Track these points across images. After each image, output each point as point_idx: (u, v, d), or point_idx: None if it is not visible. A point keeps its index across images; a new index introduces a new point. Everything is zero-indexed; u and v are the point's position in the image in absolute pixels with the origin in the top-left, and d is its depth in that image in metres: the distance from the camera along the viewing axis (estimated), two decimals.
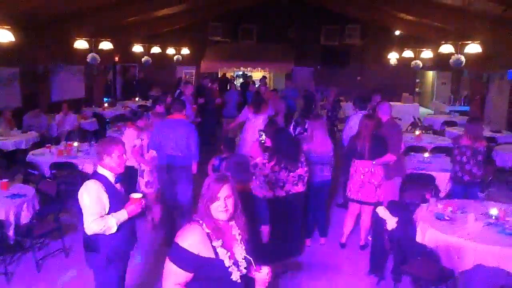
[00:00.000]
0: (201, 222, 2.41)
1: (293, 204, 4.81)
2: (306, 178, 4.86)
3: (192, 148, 5.71)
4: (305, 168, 4.81)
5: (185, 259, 2.34)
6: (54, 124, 10.31)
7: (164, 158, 5.69)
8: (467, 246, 3.97)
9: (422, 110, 16.54)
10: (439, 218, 4.49)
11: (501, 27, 9.30)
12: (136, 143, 5.95)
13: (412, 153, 7.64)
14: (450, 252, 4.05)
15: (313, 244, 5.81)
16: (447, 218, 4.49)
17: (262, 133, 5.17)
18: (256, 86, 13.30)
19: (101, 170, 3.37)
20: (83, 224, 3.26)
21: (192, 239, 2.36)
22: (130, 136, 6.26)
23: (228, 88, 15.18)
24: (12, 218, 4.89)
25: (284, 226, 4.79)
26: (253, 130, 7.33)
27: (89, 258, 3.38)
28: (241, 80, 19.98)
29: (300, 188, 4.80)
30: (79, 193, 3.28)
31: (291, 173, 4.71)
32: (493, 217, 4.43)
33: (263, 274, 2.46)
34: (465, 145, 5.57)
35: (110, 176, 3.35)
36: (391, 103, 13.34)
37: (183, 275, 2.35)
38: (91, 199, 3.21)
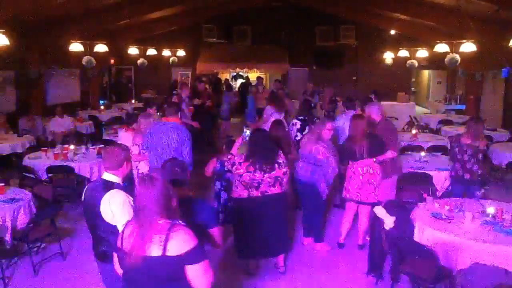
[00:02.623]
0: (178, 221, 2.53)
1: (270, 205, 4.77)
2: (285, 179, 4.81)
3: (185, 156, 5.52)
4: (283, 170, 4.75)
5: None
6: (49, 127, 10.27)
7: (155, 160, 5.59)
8: (465, 245, 3.98)
9: (418, 109, 16.60)
10: (436, 217, 4.50)
11: (495, 26, 9.36)
12: (133, 149, 5.95)
13: (409, 152, 7.66)
14: (448, 251, 4.05)
15: (310, 244, 5.81)
16: (444, 217, 4.50)
17: (246, 129, 5.13)
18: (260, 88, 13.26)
19: (112, 178, 3.30)
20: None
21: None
22: (126, 139, 6.25)
23: (222, 89, 15.14)
24: (8, 223, 4.86)
25: (260, 226, 4.79)
26: None
27: (110, 270, 3.19)
28: (237, 81, 19.98)
29: (277, 189, 4.77)
30: (111, 206, 3.15)
31: (267, 174, 4.71)
32: (490, 216, 4.45)
33: None
34: (466, 143, 5.61)
35: (120, 182, 3.31)
36: (387, 102, 13.41)
37: None
38: (128, 209, 3.10)
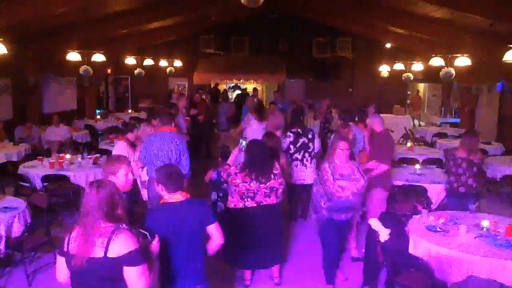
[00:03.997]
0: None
1: (265, 216, 4.79)
2: (280, 190, 4.83)
3: (184, 163, 5.59)
4: (279, 180, 4.79)
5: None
6: (45, 136, 10.26)
7: (154, 172, 5.60)
8: (459, 258, 3.99)
9: (411, 120, 16.67)
10: (431, 230, 4.52)
11: (489, 40, 9.45)
12: (135, 156, 5.96)
13: (404, 164, 7.70)
14: (443, 264, 4.06)
15: (306, 255, 5.83)
16: (439, 229, 4.52)
17: (242, 140, 5.16)
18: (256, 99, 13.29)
19: None
20: None
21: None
22: (121, 149, 6.24)
23: (220, 100, 15.20)
24: (3, 231, 4.83)
25: (254, 237, 4.81)
26: (256, 137, 7.20)
27: None
28: (235, 92, 20.03)
29: (272, 200, 4.79)
30: None
31: (263, 185, 4.72)
32: (485, 229, 4.47)
33: (154, 242, 2.90)
34: (460, 157, 5.64)
35: None
36: (382, 115, 13.44)
37: None
38: None
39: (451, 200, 5.84)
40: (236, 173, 4.76)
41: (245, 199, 4.74)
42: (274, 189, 4.78)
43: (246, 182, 4.71)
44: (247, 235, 4.82)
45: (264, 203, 4.76)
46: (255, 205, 4.74)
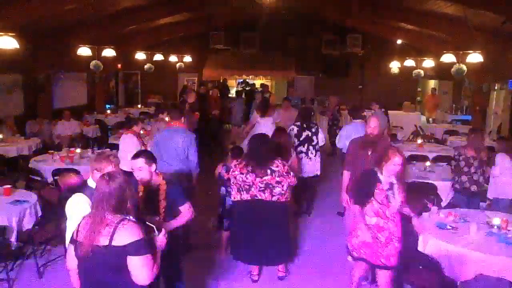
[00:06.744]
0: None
1: (261, 212, 4.74)
2: (277, 189, 4.70)
3: (192, 158, 5.62)
4: (277, 179, 4.68)
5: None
6: (56, 131, 10.33)
7: (164, 167, 5.59)
8: (469, 256, 3.97)
9: (424, 119, 16.57)
10: (441, 227, 4.50)
11: (501, 37, 9.36)
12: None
13: (414, 162, 7.65)
14: (452, 262, 4.05)
15: (312, 250, 5.82)
16: (449, 227, 4.50)
17: None
18: (264, 94, 13.29)
19: (90, 182, 3.42)
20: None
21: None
22: (130, 141, 6.30)
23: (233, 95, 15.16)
24: (14, 224, 4.89)
25: (252, 232, 4.81)
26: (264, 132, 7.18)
27: None
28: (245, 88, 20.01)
29: (268, 197, 4.70)
30: (66, 208, 3.35)
31: (258, 178, 4.70)
32: (495, 227, 4.44)
33: (160, 236, 2.99)
34: (472, 155, 5.60)
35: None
36: (393, 111, 13.39)
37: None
38: (76, 213, 3.18)
39: (463, 198, 5.80)
40: (235, 165, 4.81)
41: (242, 192, 4.76)
42: (270, 185, 4.70)
43: (243, 174, 4.73)
44: (244, 229, 4.85)
45: (259, 197, 4.72)
46: (249, 198, 4.73)
